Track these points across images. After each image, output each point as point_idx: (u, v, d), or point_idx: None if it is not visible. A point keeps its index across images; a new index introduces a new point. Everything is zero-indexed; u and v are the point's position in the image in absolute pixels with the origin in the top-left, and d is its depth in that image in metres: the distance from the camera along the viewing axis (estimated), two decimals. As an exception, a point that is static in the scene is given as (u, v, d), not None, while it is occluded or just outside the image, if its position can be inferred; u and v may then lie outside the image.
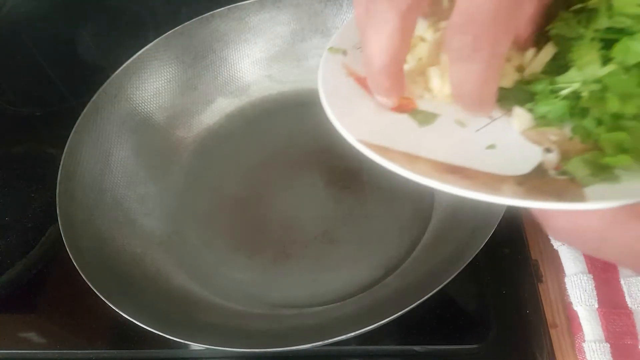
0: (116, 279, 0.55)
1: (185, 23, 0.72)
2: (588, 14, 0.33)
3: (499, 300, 0.54)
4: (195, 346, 0.52)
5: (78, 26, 0.78)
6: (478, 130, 0.35)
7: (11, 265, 0.61)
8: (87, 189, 0.61)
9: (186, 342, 0.47)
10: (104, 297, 0.49)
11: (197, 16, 0.72)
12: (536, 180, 0.30)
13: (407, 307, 0.45)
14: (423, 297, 0.45)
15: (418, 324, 0.52)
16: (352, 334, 0.45)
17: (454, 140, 0.34)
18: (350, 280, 0.56)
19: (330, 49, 0.42)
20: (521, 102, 0.35)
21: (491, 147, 0.33)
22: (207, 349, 0.52)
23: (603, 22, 0.32)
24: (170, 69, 0.72)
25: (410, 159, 0.32)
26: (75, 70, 0.75)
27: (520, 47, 0.36)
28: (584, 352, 0.49)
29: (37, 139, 0.74)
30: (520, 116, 0.34)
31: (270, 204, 0.64)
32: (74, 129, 0.63)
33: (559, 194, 0.28)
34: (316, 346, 0.46)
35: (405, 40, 0.32)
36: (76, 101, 0.66)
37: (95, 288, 0.50)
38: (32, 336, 0.58)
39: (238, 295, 0.57)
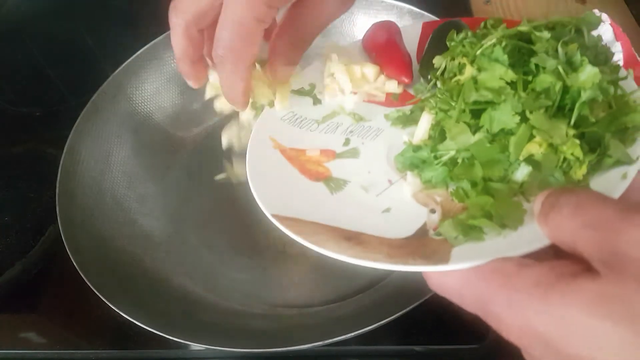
0: (116, 279, 0.55)
1: (185, 23, 0.72)
2: (459, 89, 0.38)
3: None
4: (195, 346, 0.52)
5: (78, 26, 0.78)
6: (378, 194, 0.41)
7: (11, 265, 0.61)
8: (86, 189, 0.61)
9: (186, 342, 0.47)
10: (103, 297, 0.49)
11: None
12: (416, 242, 0.35)
13: (407, 307, 0.45)
14: (423, 297, 0.45)
15: (418, 324, 0.52)
16: (352, 334, 0.45)
17: (358, 206, 0.40)
18: (350, 280, 0.56)
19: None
20: (412, 167, 0.41)
21: (387, 210, 0.39)
22: (207, 349, 0.52)
23: (471, 96, 0.36)
24: (170, 68, 0.72)
25: (316, 228, 0.38)
26: (75, 70, 0.75)
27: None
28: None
29: (36, 138, 0.74)
30: (411, 181, 0.40)
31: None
32: (73, 129, 0.63)
33: (428, 257, 0.33)
34: (316, 346, 0.46)
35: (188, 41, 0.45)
36: (76, 101, 0.66)
37: (94, 288, 0.50)
38: (32, 336, 0.58)
39: (238, 295, 0.57)
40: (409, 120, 0.46)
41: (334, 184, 0.43)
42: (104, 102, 0.67)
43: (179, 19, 0.44)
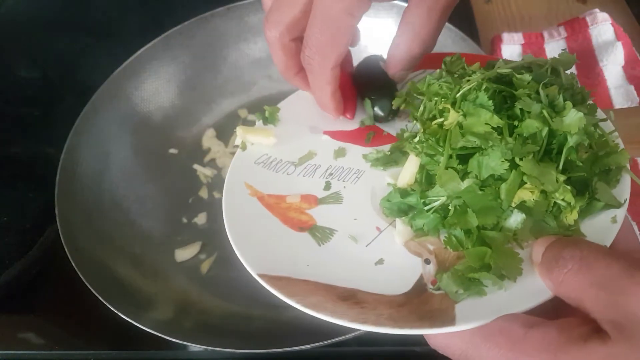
0: (115, 279, 0.55)
1: (185, 23, 0.72)
2: (444, 133, 0.37)
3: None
4: (194, 347, 0.52)
5: (77, 26, 0.78)
6: (368, 244, 0.39)
7: (9, 266, 0.61)
8: (86, 190, 0.61)
9: (185, 343, 0.47)
10: (102, 297, 0.49)
11: (196, 16, 0.72)
12: (416, 299, 0.34)
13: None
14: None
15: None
16: (352, 334, 0.45)
17: (349, 259, 0.38)
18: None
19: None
20: (401, 213, 0.39)
21: (380, 262, 0.37)
22: (206, 349, 0.52)
23: (457, 142, 0.36)
24: (170, 68, 0.72)
25: (309, 287, 0.36)
26: (74, 70, 0.75)
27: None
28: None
29: (35, 139, 0.73)
30: (401, 230, 0.38)
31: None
32: (72, 129, 0.63)
33: (433, 318, 0.32)
34: (317, 347, 0.46)
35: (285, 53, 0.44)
36: (75, 101, 0.66)
37: (93, 289, 0.50)
38: (31, 337, 0.57)
39: (238, 296, 0.57)
40: (390, 161, 0.44)
41: (320, 233, 0.41)
42: (104, 102, 0.66)
43: (272, 31, 0.43)
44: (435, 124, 0.39)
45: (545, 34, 0.77)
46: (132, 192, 0.65)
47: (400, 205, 0.39)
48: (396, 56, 0.46)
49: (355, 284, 0.36)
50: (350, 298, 0.35)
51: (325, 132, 0.48)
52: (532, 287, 0.31)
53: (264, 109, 0.49)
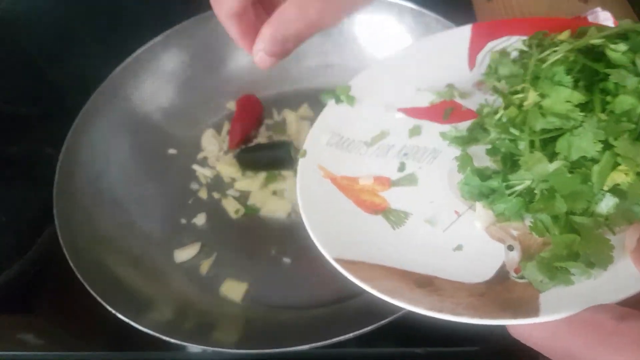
0: (113, 280, 0.54)
1: (184, 22, 0.72)
2: (523, 115, 0.35)
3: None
4: (194, 347, 0.52)
5: (76, 25, 0.78)
6: (445, 229, 0.37)
7: (8, 267, 0.61)
8: (85, 190, 0.61)
9: (184, 343, 0.47)
10: (101, 298, 0.49)
11: (196, 15, 0.72)
12: (498, 287, 0.32)
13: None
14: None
15: (419, 326, 0.51)
16: (352, 334, 0.45)
17: (425, 244, 0.37)
18: (349, 281, 0.56)
19: (300, 153, 0.45)
20: (481, 196, 0.37)
21: (458, 248, 0.36)
22: (206, 350, 0.52)
23: (537, 124, 0.33)
24: (169, 68, 0.72)
25: (384, 273, 0.34)
26: (73, 70, 0.74)
27: None
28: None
29: (34, 138, 0.73)
30: (482, 214, 0.36)
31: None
32: (72, 129, 0.62)
33: (516, 308, 0.30)
34: (316, 347, 0.45)
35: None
36: (74, 101, 0.66)
37: (92, 290, 0.50)
38: (29, 338, 0.57)
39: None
40: (470, 139, 0.41)
41: (394, 217, 0.39)
42: (103, 102, 0.66)
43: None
44: (517, 98, 0.36)
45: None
46: (131, 193, 0.64)
47: (480, 189, 0.36)
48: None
49: (433, 270, 0.34)
50: (427, 285, 0.33)
51: (400, 110, 0.46)
52: (624, 276, 0.29)
53: (336, 89, 0.47)
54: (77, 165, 0.62)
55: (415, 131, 0.44)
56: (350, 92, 0.47)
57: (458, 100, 0.45)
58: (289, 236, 0.61)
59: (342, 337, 0.45)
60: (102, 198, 0.62)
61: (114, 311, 0.48)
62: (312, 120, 0.70)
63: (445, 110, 0.45)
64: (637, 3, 0.81)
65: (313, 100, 0.73)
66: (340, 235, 0.38)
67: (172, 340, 0.47)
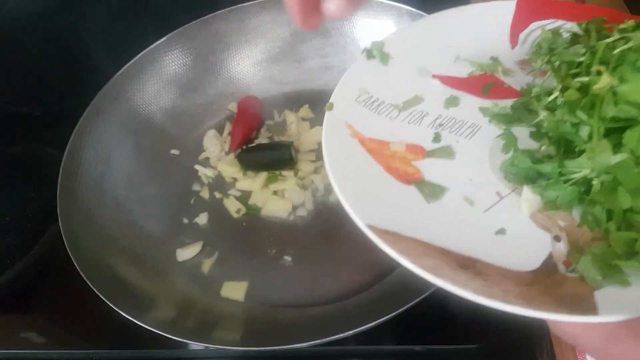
0: (116, 279, 0.55)
1: (186, 25, 0.72)
2: (591, 99, 0.32)
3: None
4: (195, 345, 0.52)
5: (79, 27, 0.78)
6: (486, 210, 0.34)
7: (11, 266, 0.62)
8: (87, 190, 0.61)
9: (186, 341, 0.47)
10: (104, 297, 0.49)
11: (198, 18, 0.73)
12: (546, 280, 0.30)
13: (405, 305, 0.45)
14: (421, 295, 0.45)
15: (418, 324, 0.52)
16: (351, 332, 0.45)
17: (463, 223, 0.33)
18: (349, 280, 0.56)
19: (327, 105, 0.41)
20: (528, 180, 0.34)
21: (501, 232, 0.33)
22: (207, 348, 0.52)
23: (609, 111, 0.31)
24: (171, 70, 0.73)
25: (423, 249, 0.31)
26: (75, 71, 0.75)
27: None
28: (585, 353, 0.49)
29: (36, 139, 0.74)
30: (530, 199, 0.34)
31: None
32: (75, 130, 0.63)
33: (571, 304, 0.28)
34: (316, 344, 0.46)
35: None
36: (76, 102, 0.66)
37: (95, 288, 0.50)
38: (32, 336, 0.58)
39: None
40: (513, 119, 0.38)
41: (429, 190, 0.35)
42: (106, 103, 0.67)
43: None
44: (578, 81, 0.33)
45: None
46: (133, 193, 0.65)
47: (528, 172, 0.34)
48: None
49: (474, 251, 0.31)
50: (469, 267, 0.30)
51: (435, 76, 0.43)
52: None
53: (370, 44, 0.44)
54: (80, 165, 0.62)
55: (452, 102, 0.41)
56: (384, 48, 0.44)
57: (500, 76, 0.42)
58: (289, 235, 0.61)
59: (341, 335, 0.45)
60: (105, 198, 0.62)
61: (116, 309, 0.48)
62: (312, 121, 0.72)
63: (485, 84, 0.42)
64: (633, 4, 0.82)
65: (313, 102, 0.74)
66: (370, 202, 0.34)
67: (174, 338, 0.47)
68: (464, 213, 0.34)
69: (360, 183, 0.35)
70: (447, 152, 0.38)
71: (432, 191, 0.36)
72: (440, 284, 0.29)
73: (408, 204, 0.35)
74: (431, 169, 0.37)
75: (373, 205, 0.34)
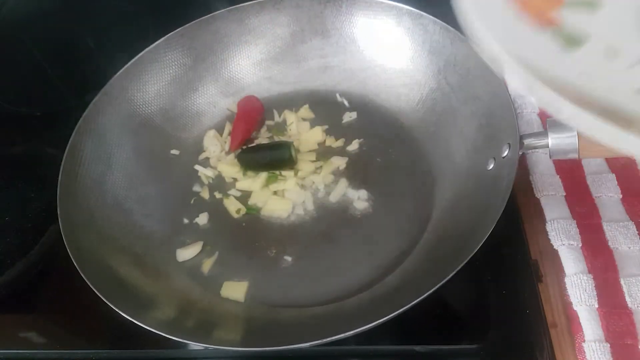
0: (116, 279, 0.55)
1: (186, 25, 0.72)
2: None
3: (499, 300, 0.54)
4: (195, 346, 0.52)
5: (79, 27, 0.78)
6: (629, 67, 0.31)
7: (11, 266, 0.62)
8: (87, 190, 0.61)
9: (186, 341, 0.47)
10: (104, 297, 0.49)
11: (198, 18, 0.73)
12: None
13: (406, 305, 0.45)
14: (422, 295, 0.45)
15: (418, 324, 0.52)
16: (351, 332, 0.45)
17: (601, 76, 0.30)
18: (349, 280, 0.56)
19: None
20: None
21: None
22: (207, 348, 0.52)
23: None
24: (171, 70, 0.73)
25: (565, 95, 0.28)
26: (75, 71, 0.75)
27: None
28: (584, 352, 0.49)
29: (36, 139, 0.74)
30: None
31: (271, 205, 0.65)
32: (75, 130, 0.63)
33: None
34: (316, 345, 0.46)
35: None
36: (76, 102, 0.67)
37: (95, 288, 0.50)
38: (32, 336, 0.58)
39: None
40: None
41: (566, 39, 0.32)
42: (106, 103, 0.67)
43: None
44: None
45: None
46: (133, 193, 0.65)
47: None
48: None
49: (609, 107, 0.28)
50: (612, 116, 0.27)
51: None
52: None
53: None
54: (80, 166, 0.62)
55: None
56: None
57: None
58: (289, 235, 0.61)
59: (341, 335, 0.45)
60: (105, 198, 0.62)
61: (116, 309, 0.48)
62: (312, 121, 0.72)
63: None
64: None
65: (313, 101, 0.74)
66: (507, 34, 0.31)
67: (174, 338, 0.47)
68: (602, 64, 0.31)
69: (493, 14, 0.32)
70: (589, 4, 0.35)
71: (568, 40, 0.32)
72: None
73: (542, 49, 0.32)
74: (568, 16, 0.33)
75: (510, 39, 0.31)
